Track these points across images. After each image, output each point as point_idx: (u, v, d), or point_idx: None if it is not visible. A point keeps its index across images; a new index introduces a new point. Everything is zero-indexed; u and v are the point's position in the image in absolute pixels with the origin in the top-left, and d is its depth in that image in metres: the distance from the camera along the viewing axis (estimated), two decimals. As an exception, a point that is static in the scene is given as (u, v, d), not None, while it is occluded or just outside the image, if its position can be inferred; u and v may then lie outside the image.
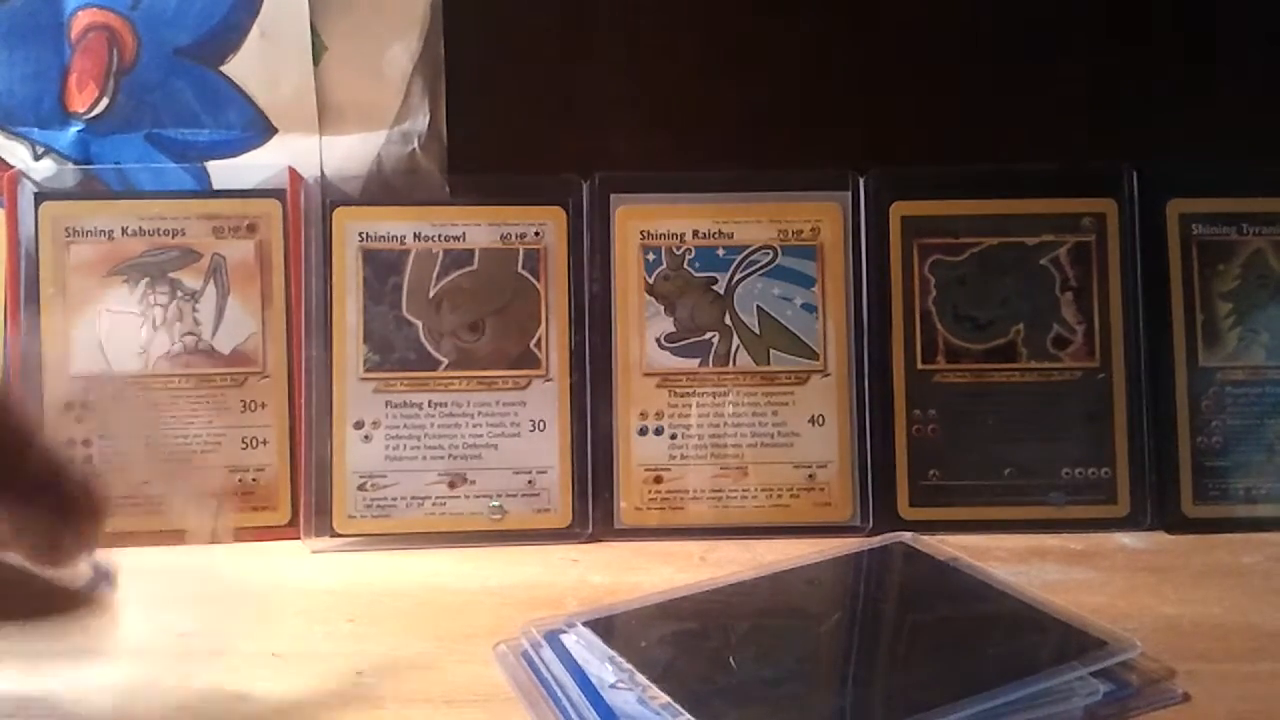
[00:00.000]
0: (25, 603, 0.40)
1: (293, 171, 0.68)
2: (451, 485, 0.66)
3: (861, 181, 0.68)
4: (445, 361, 0.67)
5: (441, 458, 0.66)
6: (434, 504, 0.66)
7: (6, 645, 0.41)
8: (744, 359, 0.68)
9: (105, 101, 0.69)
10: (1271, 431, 0.67)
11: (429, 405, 0.66)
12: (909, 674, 0.48)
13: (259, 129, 0.70)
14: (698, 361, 0.68)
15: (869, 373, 0.67)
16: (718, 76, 0.72)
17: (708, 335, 0.68)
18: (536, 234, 0.68)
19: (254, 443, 0.67)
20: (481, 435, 0.67)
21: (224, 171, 0.69)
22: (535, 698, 0.45)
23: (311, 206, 0.68)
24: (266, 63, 0.69)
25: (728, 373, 0.68)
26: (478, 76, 0.71)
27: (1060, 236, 0.68)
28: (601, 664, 0.46)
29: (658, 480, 0.67)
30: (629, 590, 0.57)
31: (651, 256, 0.68)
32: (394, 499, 0.66)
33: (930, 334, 0.67)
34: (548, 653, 0.48)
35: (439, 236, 0.67)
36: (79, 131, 0.69)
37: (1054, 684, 0.44)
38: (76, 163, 0.69)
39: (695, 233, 0.68)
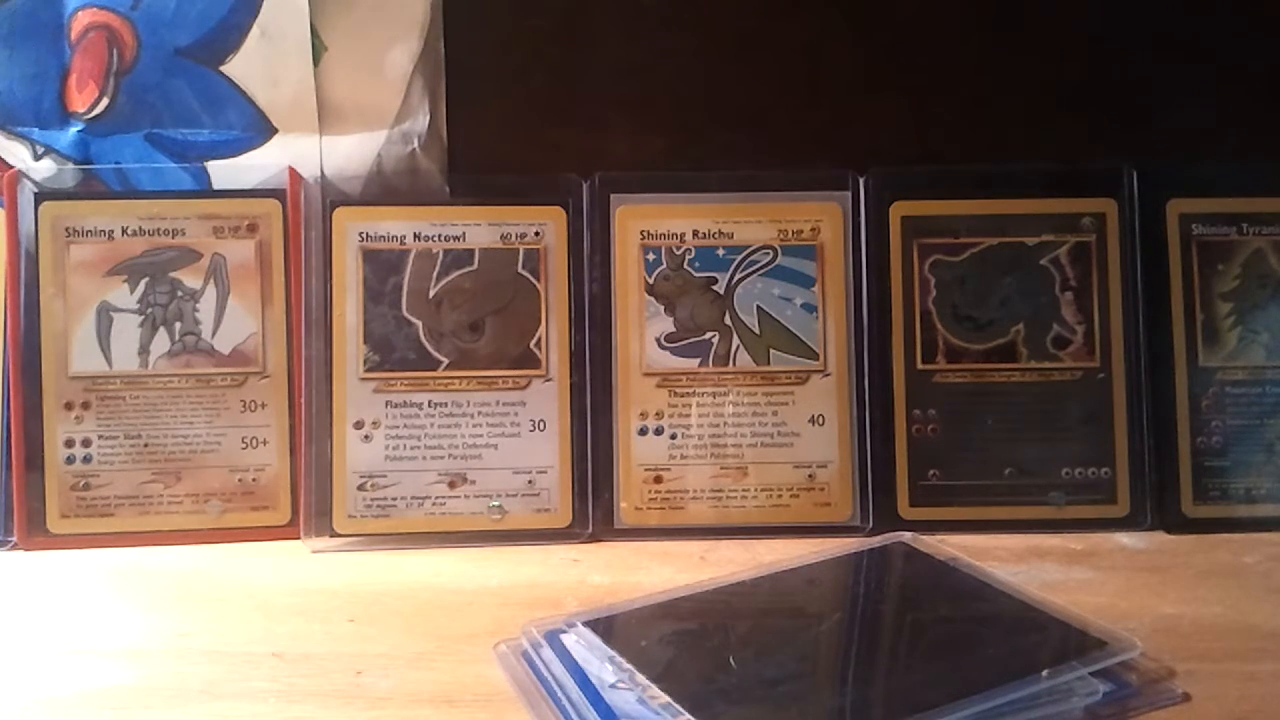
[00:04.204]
0: None
1: (293, 171, 0.68)
2: (451, 485, 0.66)
3: (861, 181, 0.68)
4: (445, 361, 0.67)
5: (441, 458, 0.66)
6: (434, 504, 0.66)
7: None
8: (744, 359, 0.68)
9: (105, 101, 0.69)
10: (1271, 431, 0.66)
11: (429, 405, 0.66)
12: (909, 674, 0.48)
13: (259, 129, 0.70)
14: (698, 361, 0.68)
15: (869, 373, 0.67)
16: (718, 77, 0.72)
17: (708, 335, 0.68)
18: (536, 234, 0.68)
19: (254, 443, 0.67)
20: (481, 435, 0.67)
21: (224, 171, 0.69)
22: (535, 698, 0.45)
23: (311, 206, 0.68)
24: (266, 63, 0.69)
25: (728, 373, 0.68)
26: (478, 76, 0.71)
27: (1060, 236, 0.68)
28: (601, 664, 0.46)
29: (658, 480, 0.67)
30: (629, 590, 0.57)
31: (651, 256, 0.68)
32: (394, 499, 0.66)
33: (930, 334, 0.67)
34: (548, 653, 0.48)
35: (439, 236, 0.67)
36: (79, 131, 0.69)
37: (1054, 684, 0.44)
38: (76, 163, 0.69)
39: (695, 233, 0.68)
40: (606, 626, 0.50)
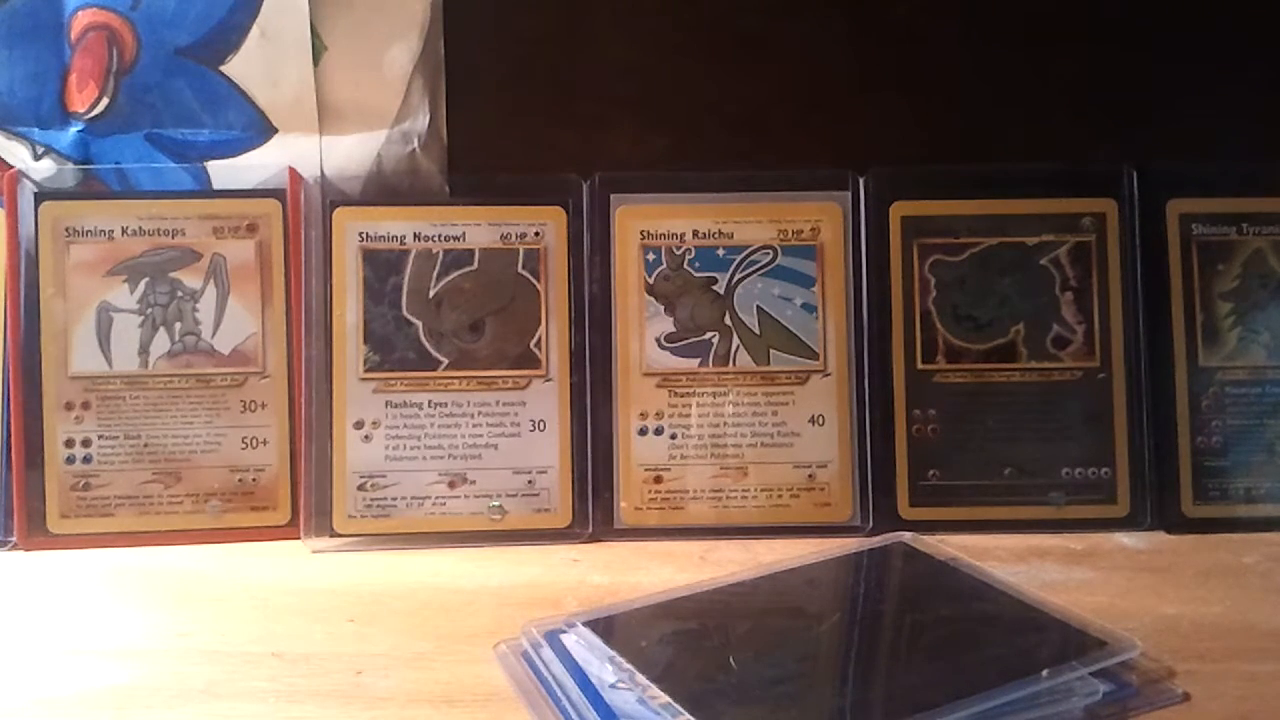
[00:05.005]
0: None
1: (293, 171, 0.68)
2: (451, 485, 0.66)
3: (861, 181, 0.68)
4: (445, 361, 0.67)
5: (441, 458, 0.66)
6: (434, 504, 0.66)
7: None
8: (744, 359, 0.68)
9: (105, 101, 0.69)
10: (1271, 431, 0.66)
11: (429, 405, 0.66)
12: (909, 674, 0.48)
13: (259, 129, 0.70)
14: (698, 361, 0.68)
15: (869, 373, 0.67)
16: (718, 76, 0.72)
17: (708, 335, 0.68)
18: (536, 234, 0.68)
19: (254, 443, 0.67)
20: (481, 435, 0.67)
21: (224, 171, 0.69)
22: (535, 698, 0.45)
23: (311, 206, 0.68)
24: (266, 63, 0.69)
25: (728, 373, 0.68)
26: (478, 76, 0.71)
27: (1060, 236, 0.68)
28: (601, 664, 0.46)
29: (658, 480, 0.67)
30: (629, 590, 0.57)
31: (651, 256, 0.68)
32: (394, 499, 0.66)
33: (930, 334, 0.67)
34: (548, 653, 0.48)
35: (439, 236, 0.67)
36: (79, 131, 0.69)
37: (1054, 684, 0.44)
38: (76, 163, 0.69)
39: (695, 233, 0.68)
40: (606, 626, 0.50)
